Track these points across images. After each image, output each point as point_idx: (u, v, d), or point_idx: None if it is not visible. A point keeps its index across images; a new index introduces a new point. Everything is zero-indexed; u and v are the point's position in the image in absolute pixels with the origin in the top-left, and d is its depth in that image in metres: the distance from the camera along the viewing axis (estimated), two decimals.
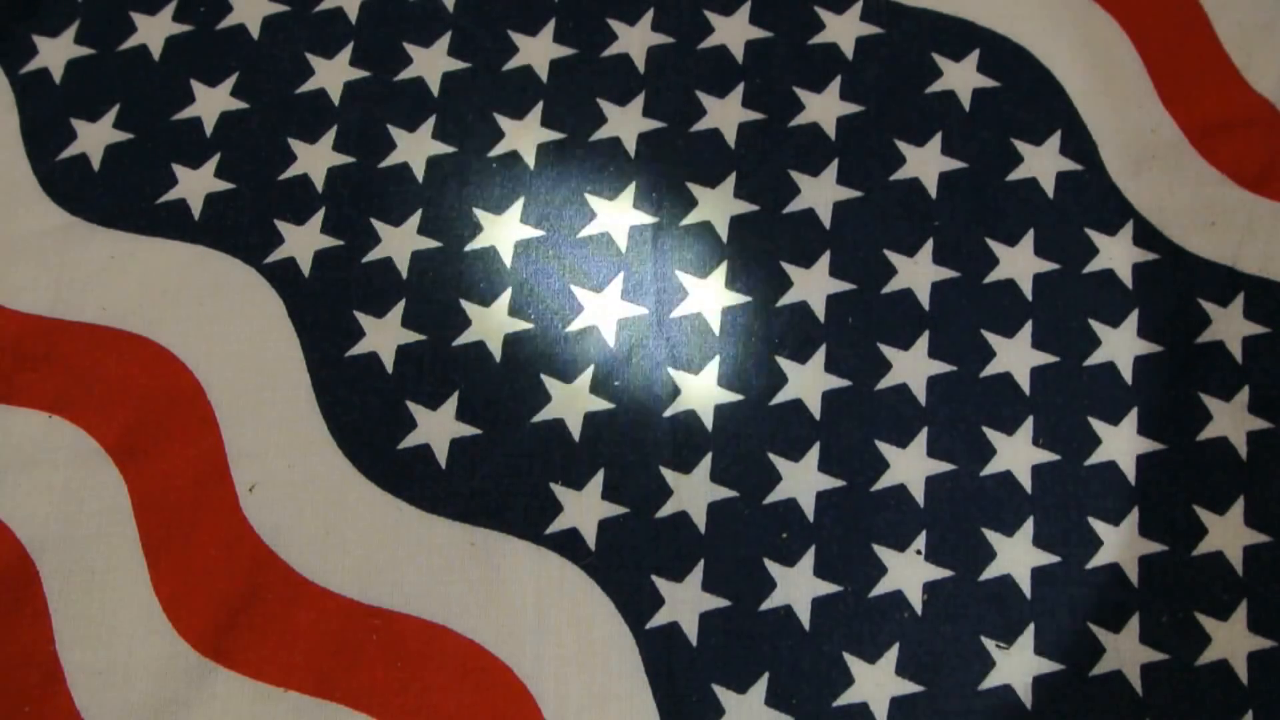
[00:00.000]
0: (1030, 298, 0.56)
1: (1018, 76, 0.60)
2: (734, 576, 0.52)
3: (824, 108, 0.60)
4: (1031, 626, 0.51)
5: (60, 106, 0.62)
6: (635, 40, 0.62)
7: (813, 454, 0.54)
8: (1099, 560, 0.52)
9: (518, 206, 0.59)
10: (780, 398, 0.55)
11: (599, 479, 0.54)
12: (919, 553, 0.52)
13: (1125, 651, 0.51)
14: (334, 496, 0.54)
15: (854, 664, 0.51)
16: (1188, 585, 0.52)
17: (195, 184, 0.60)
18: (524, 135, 0.60)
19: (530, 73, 0.61)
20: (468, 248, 0.58)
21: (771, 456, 0.54)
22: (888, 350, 0.55)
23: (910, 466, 0.53)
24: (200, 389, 0.56)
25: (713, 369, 0.55)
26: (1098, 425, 0.54)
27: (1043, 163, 0.58)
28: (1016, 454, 0.54)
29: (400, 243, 0.58)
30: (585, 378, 0.56)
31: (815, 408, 0.55)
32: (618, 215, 0.58)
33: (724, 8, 0.62)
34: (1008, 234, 0.57)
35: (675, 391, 0.55)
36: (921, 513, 0.53)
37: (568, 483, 0.54)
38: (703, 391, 0.55)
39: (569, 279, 0.57)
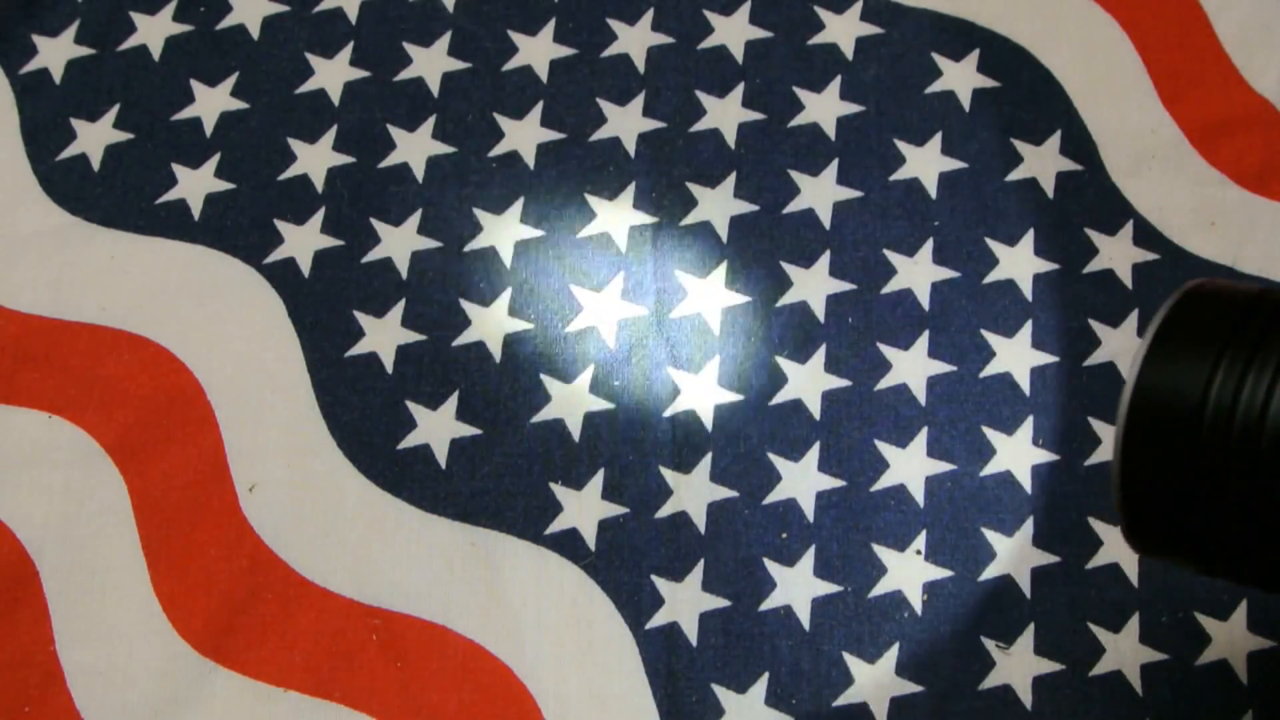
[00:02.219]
0: (1030, 298, 0.56)
1: (1018, 76, 0.60)
2: (734, 576, 0.52)
3: (824, 108, 0.60)
4: (1031, 626, 0.51)
5: (60, 106, 0.62)
6: (635, 40, 0.62)
7: (813, 454, 0.54)
8: (1099, 560, 0.52)
9: (518, 206, 0.59)
10: (780, 398, 0.55)
11: (599, 479, 0.54)
12: (919, 553, 0.52)
13: (1125, 651, 0.51)
14: (334, 496, 0.54)
15: (854, 664, 0.51)
16: (1188, 585, 0.52)
17: (195, 184, 0.60)
18: (524, 135, 0.60)
19: (530, 73, 0.61)
20: (468, 248, 0.58)
21: (771, 456, 0.54)
22: (888, 350, 0.55)
23: (910, 466, 0.53)
24: (200, 389, 0.56)
25: (713, 369, 0.55)
26: (1097, 425, 0.54)
27: (1043, 163, 0.58)
28: (1016, 454, 0.54)
29: (400, 243, 0.58)
30: (585, 378, 0.56)
31: (815, 408, 0.54)
32: (618, 215, 0.58)
33: (724, 8, 0.62)
34: (1008, 234, 0.57)
35: (675, 391, 0.55)
36: (921, 513, 0.53)
37: (568, 483, 0.54)
38: (703, 391, 0.55)
39: (569, 279, 0.57)
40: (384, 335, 0.57)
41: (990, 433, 0.54)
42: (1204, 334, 0.27)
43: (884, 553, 0.52)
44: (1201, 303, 0.28)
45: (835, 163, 0.59)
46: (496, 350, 0.56)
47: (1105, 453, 0.54)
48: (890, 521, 0.53)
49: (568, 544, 0.53)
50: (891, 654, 0.51)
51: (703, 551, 0.52)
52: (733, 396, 0.55)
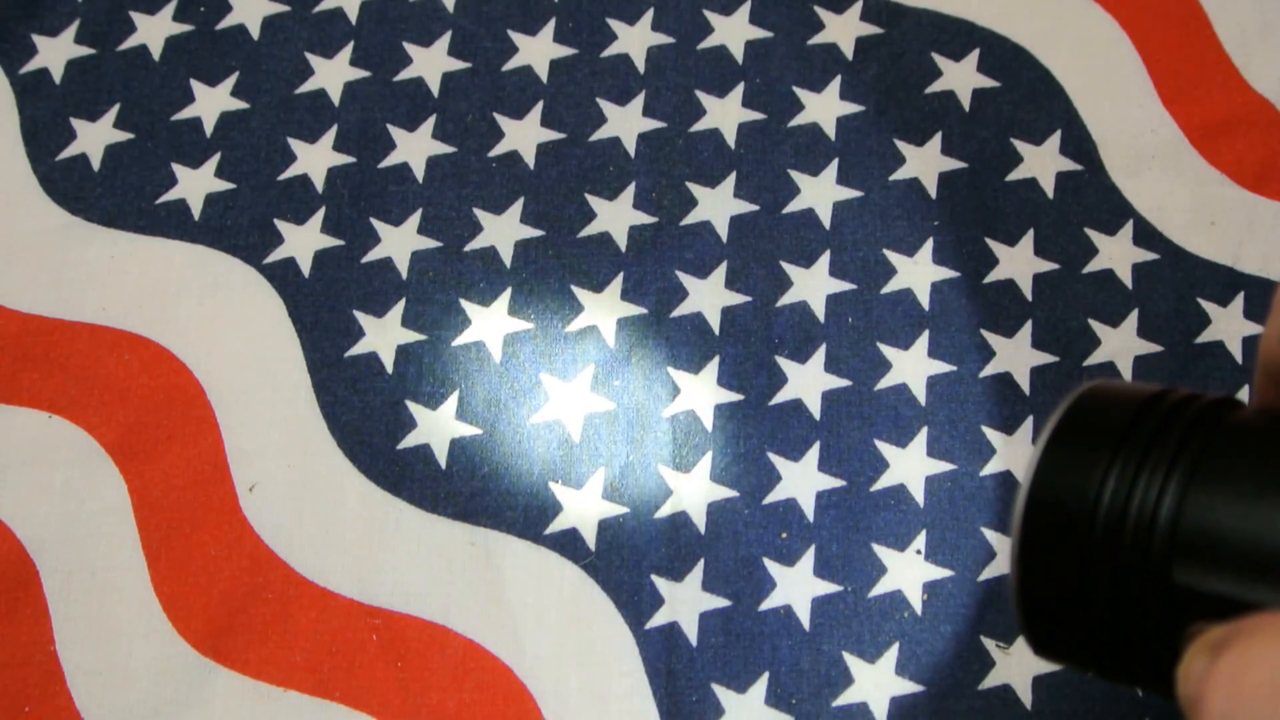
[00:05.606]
0: (1030, 298, 0.56)
1: (1018, 76, 0.60)
2: (734, 576, 0.52)
3: (824, 108, 0.60)
4: None
5: (60, 106, 0.62)
6: (635, 40, 0.62)
7: (813, 454, 0.54)
8: None
9: (518, 207, 0.59)
10: (780, 398, 0.55)
11: (599, 479, 0.54)
12: (919, 553, 0.52)
13: None
14: (334, 496, 0.54)
15: (854, 664, 0.51)
16: None
17: (195, 184, 0.60)
18: (524, 135, 0.60)
19: (530, 73, 0.61)
20: (468, 248, 0.58)
21: (771, 456, 0.54)
22: (888, 350, 0.55)
23: (910, 466, 0.53)
24: (200, 389, 0.56)
25: (713, 369, 0.55)
26: None
27: (1043, 163, 0.58)
28: (1016, 454, 0.54)
29: (400, 243, 0.58)
30: (585, 378, 0.56)
31: (815, 408, 0.55)
32: (618, 215, 0.58)
33: (724, 8, 0.62)
34: (1008, 234, 0.57)
35: (675, 391, 0.55)
36: (921, 513, 0.53)
37: (568, 483, 0.54)
38: (703, 391, 0.55)
39: (569, 279, 0.57)
40: (384, 335, 0.57)
41: (990, 433, 0.54)
42: (1098, 437, 0.27)
43: (884, 553, 0.52)
44: (1096, 405, 0.28)
45: (835, 163, 0.59)
46: (496, 350, 0.56)
47: None
48: (890, 521, 0.53)
49: (568, 544, 0.53)
50: (891, 654, 0.51)
51: (703, 551, 0.52)
52: (733, 396, 0.55)
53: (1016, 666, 0.51)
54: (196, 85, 0.62)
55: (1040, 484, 0.28)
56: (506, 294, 0.57)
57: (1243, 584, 0.25)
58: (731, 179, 0.59)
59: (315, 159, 0.60)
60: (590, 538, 0.53)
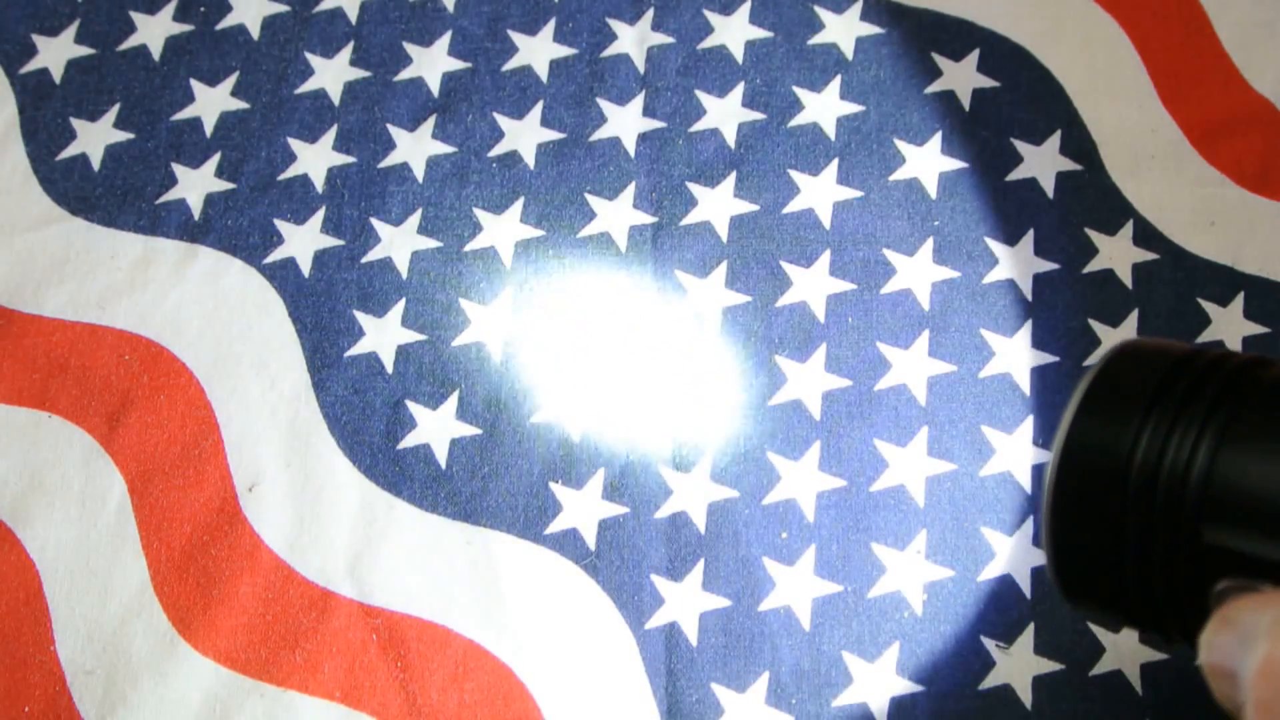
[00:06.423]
0: (1030, 298, 0.56)
1: (1018, 76, 0.60)
2: (734, 576, 0.52)
3: (824, 108, 0.60)
4: (1031, 626, 0.51)
5: (60, 106, 0.62)
6: (635, 40, 0.62)
7: (813, 454, 0.54)
8: None
9: (518, 206, 0.59)
10: (780, 398, 0.55)
11: (599, 479, 0.54)
12: (919, 553, 0.52)
13: (1125, 651, 0.51)
14: (334, 496, 0.54)
15: (854, 664, 0.51)
16: None
17: (195, 184, 0.60)
18: (524, 135, 0.60)
19: (530, 73, 0.61)
20: (468, 248, 0.58)
21: (771, 456, 0.54)
22: (888, 350, 0.55)
23: (910, 466, 0.53)
24: (200, 389, 0.56)
25: None
26: None
27: (1043, 163, 0.58)
28: (1016, 454, 0.54)
29: (400, 243, 0.58)
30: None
31: (815, 408, 0.55)
32: (618, 215, 0.58)
33: (724, 8, 0.62)
34: (1008, 234, 0.57)
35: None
36: (921, 513, 0.53)
37: (568, 483, 0.54)
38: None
39: (569, 279, 0.57)
40: (384, 335, 0.57)
41: (990, 433, 0.54)
42: (1132, 393, 0.28)
43: (884, 553, 0.52)
44: (1132, 362, 0.28)
45: (835, 163, 0.59)
46: (496, 350, 0.56)
47: None
48: (890, 521, 0.53)
49: (568, 544, 0.53)
50: (891, 654, 0.51)
51: (703, 551, 0.52)
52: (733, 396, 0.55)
53: (1016, 666, 0.51)
54: (196, 85, 0.62)
55: (1074, 438, 0.28)
56: (506, 294, 0.57)
57: (1270, 544, 0.25)
58: (731, 179, 0.59)
59: (315, 159, 0.60)
60: (590, 538, 0.53)
